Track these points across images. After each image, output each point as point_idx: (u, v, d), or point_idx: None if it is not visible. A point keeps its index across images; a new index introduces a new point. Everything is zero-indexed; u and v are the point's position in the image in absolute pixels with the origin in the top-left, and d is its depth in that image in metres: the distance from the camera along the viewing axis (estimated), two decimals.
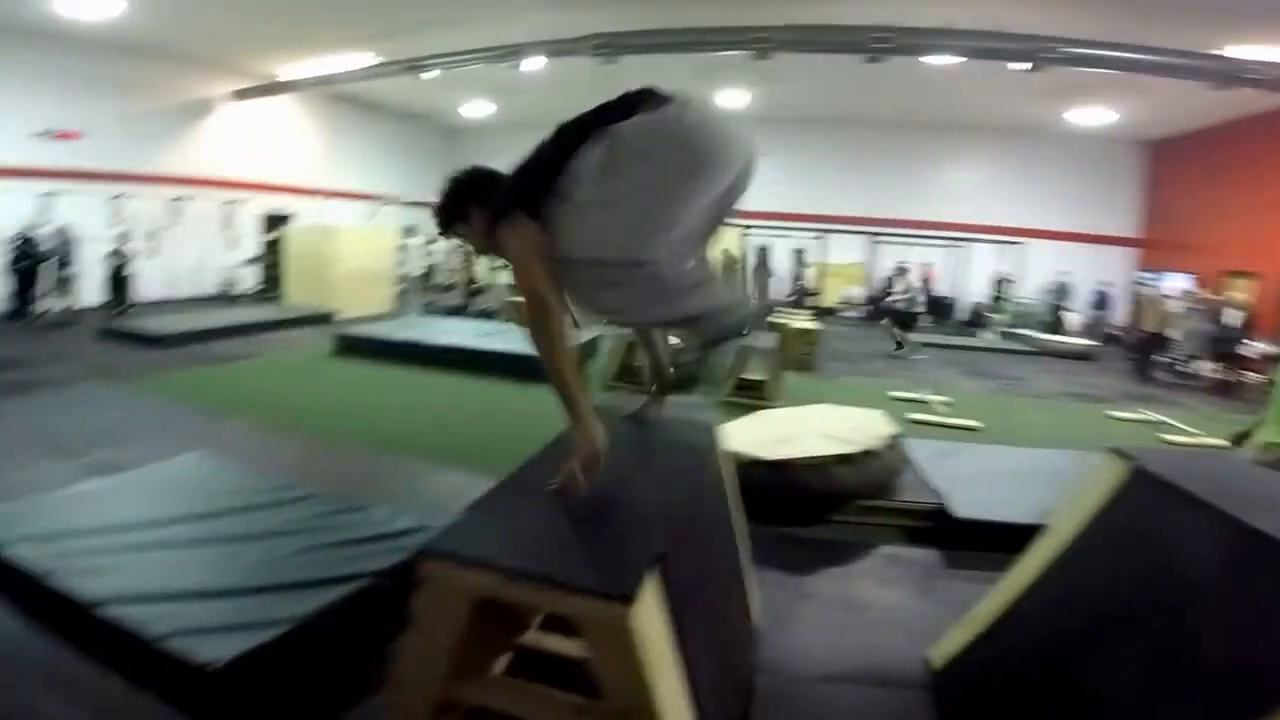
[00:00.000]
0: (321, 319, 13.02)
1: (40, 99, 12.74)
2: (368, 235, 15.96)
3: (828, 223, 19.39)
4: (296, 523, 3.77)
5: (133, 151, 14.40)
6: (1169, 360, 12.75)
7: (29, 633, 3.06)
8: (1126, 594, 2.36)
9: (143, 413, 6.82)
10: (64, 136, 13.08)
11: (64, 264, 12.16)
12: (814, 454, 5.04)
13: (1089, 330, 16.73)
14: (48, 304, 12.08)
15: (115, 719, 2.62)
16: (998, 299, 18.25)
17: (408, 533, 3.68)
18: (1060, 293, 18.11)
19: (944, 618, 3.36)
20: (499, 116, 21.13)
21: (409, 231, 18.01)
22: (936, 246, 18.76)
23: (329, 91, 17.27)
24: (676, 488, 2.38)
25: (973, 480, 5.33)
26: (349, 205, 18.93)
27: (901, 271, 14.41)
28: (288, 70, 15.65)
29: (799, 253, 19.92)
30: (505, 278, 16.27)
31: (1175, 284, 15.59)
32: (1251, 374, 11.45)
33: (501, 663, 2.40)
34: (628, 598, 1.62)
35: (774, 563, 4.37)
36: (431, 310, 14.78)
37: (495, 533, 1.97)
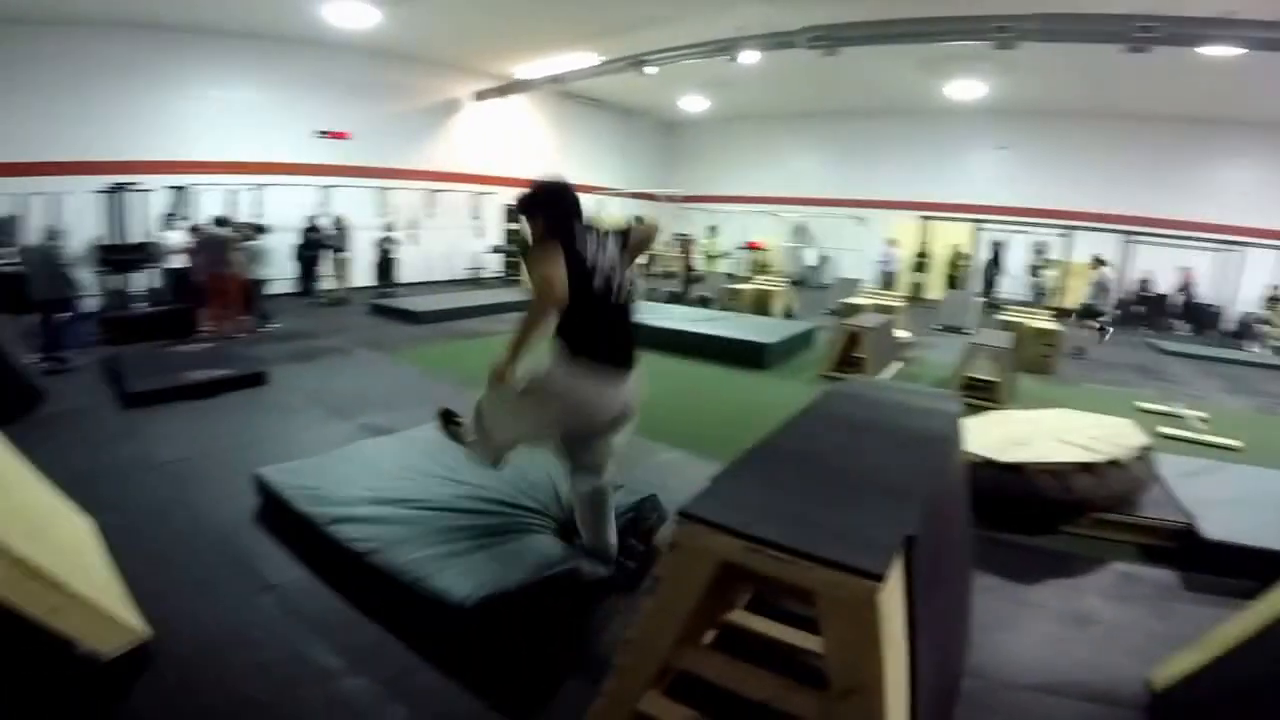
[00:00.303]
0: None
1: (317, 102, 14.56)
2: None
3: (1072, 219, 17.60)
4: (535, 489, 4.17)
5: (394, 149, 16.12)
6: None
7: (308, 578, 3.59)
8: None
9: (404, 380, 7.87)
10: (336, 136, 14.90)
11: (339, 250, 13.88)
12: (1052, 459, 4.77)
13: None
14: (327, 284, 13.91)
15: (368, 663, 2.95)
16: (1272, 309, 15.99)
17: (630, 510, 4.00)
18: None
19: (1175, 640, 3.22)
20: (714, 110, 21.39)
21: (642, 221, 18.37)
22: (1201, 249, 16.57)
23: (558, 90, 18.20)
24: (923, 471, 2.39)
25: (1228, 501, 4.82)
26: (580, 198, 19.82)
27: (1098, 263, 13.14)
28: (522, 70, 16.66)
29: (1039, 251, 18.43)
30: (723, 267, 16.59)
31: None
32: None
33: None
34: (878, 575, 1.68)
35: (997, 568, 4.33)
36: (652, 296, 15.25)
37: (743, 502, 2.09)
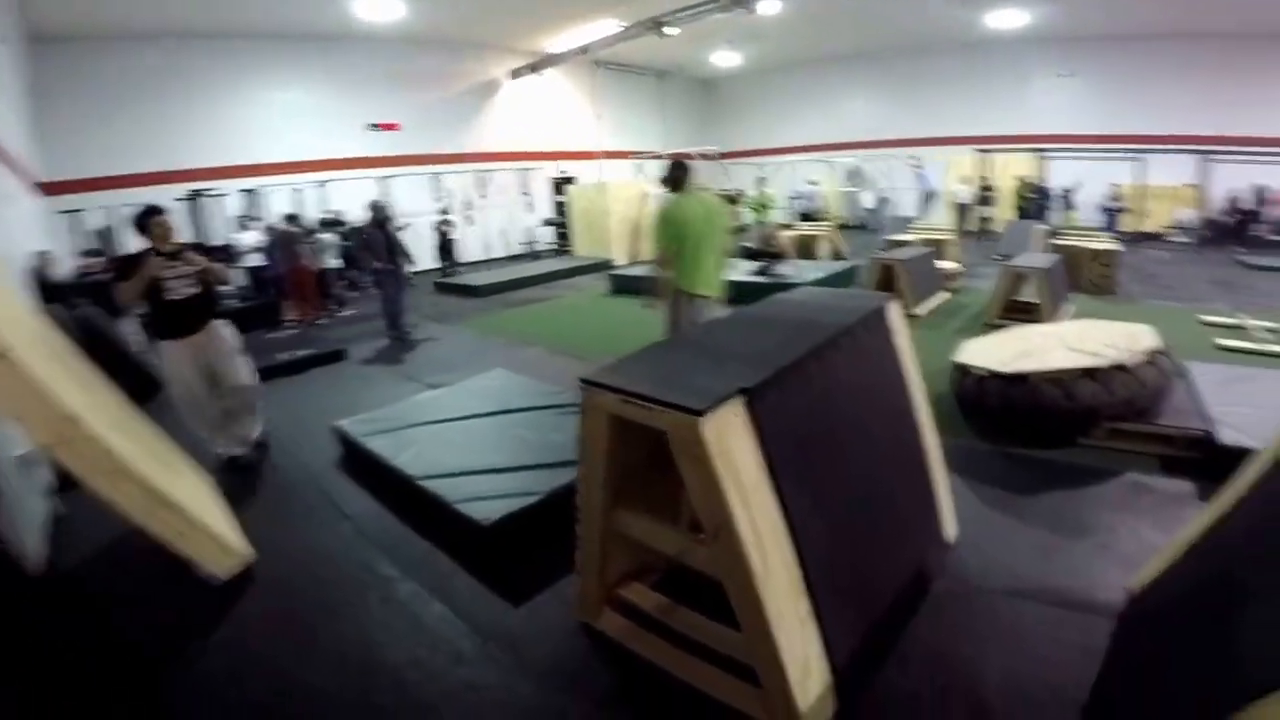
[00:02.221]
0: (603, 266, 14.62)
1: (365, 97, 15.22)
2: (635, 188, 16.78)
3: (1144, 143, 16.63)
4: (563, 421, 4.77)
5: (442, 135, 16.70)
6: None
7: (376, 508, 4.36)
8: None
9: (465, 345, 8.71)
10: (387, 128, 15.55)
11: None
12: (1055, 367, 4.62)
13: None
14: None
15: (419, 571, 3.62)
16: None
17: None
18: None
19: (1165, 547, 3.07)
20: (750, 64, 21.20)
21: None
22: None
23: (588, 60, 18.34)
24: (794, 348, 2.61)
25: (1261, 409, 4.46)
26: (619, 164, 20.27)
27: None
28: (551, 44, 16.89)
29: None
30: (771, 219, 16.46)
31: None
32: None
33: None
34: (700, 411, 1.97)
35: (997, 480, 4.33)
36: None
37: (630, 372, 2.49)
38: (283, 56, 13.97)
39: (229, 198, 13.06)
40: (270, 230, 11.32)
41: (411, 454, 4.43)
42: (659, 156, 19.28)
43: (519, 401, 5.22)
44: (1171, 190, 16.73)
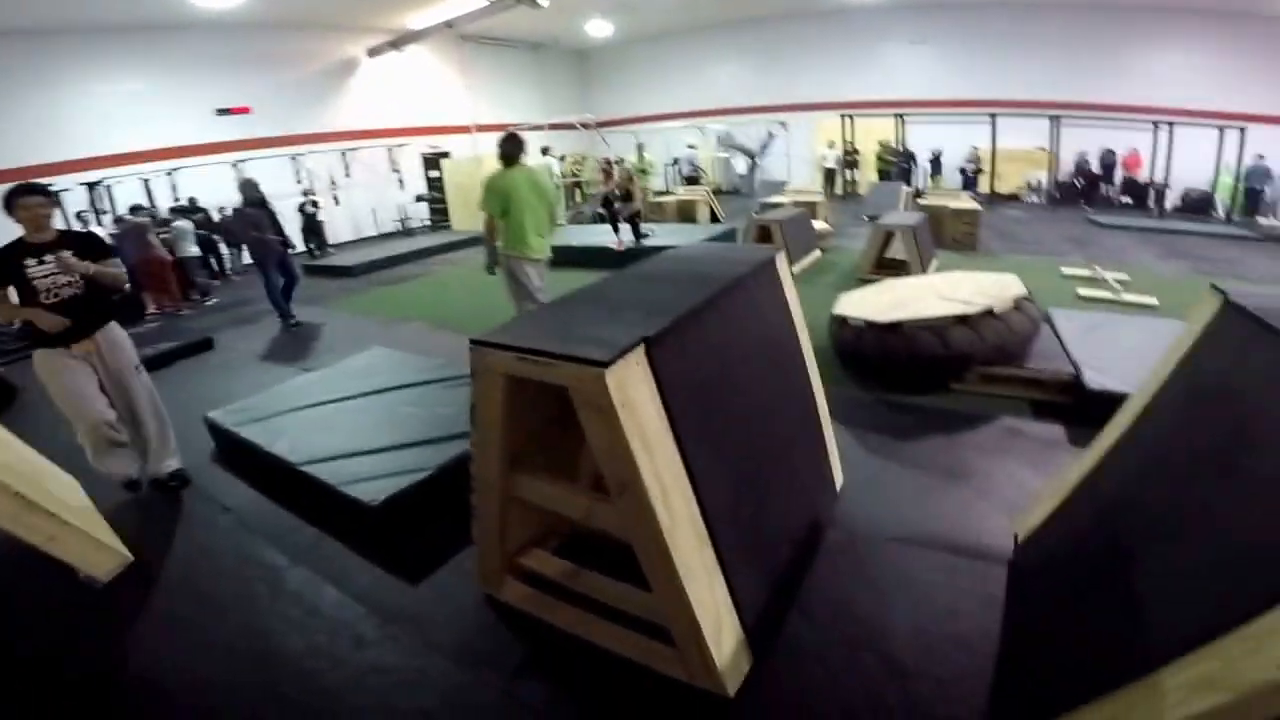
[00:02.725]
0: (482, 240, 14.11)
1: (213, 82, 14.31)
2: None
3: (997, 107, 17.54)
4: (448, 394, 4.64)
5: (299, 115, 15.89)
6: None
7: (257, 498, 4.12)
8: (1193, 451, 2.12)
9: (340, 326, 8.31)
10: (237, 112, 14.69)
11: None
12: (929, 315, 4.78)
13: None
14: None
15: (308, 558, 3.44)
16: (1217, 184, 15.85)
17: None
18: (1257, 176, 15.27)
19: (1045, 492, 3.19)
20: (625, 33, 21.09)
21: (545, 152, 18.11)
22: (1137, 131, 16.39)
23: (456, 35, 17.86)
24: (690, 299, 2.55)
25: (1122, 352, 4.73)
26: (495, 137, 19.39)
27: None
28: (414, 20, 16.28)
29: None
30: (650, 184, 16.57)
31: None
32: None
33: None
34: (604, 363, 1.89)
35: (879, 428, 4.43)
36: (579, 220, 15.59)
37: (524, 330, 2.39)
38: (117, 48, 12.95)
39: (70, 193, 11.85)
40: (118, 222, 10.57)
41: (290, 440, 4.20)
42: (539, 128, 18.89)
43: (400, 378, 5.01)
44: (1024, 153, 17.69)
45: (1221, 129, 15.42)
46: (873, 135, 19.09)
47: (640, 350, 2.04)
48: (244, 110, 14.74)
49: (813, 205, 11.90)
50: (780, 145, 20.59)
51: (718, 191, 18.02)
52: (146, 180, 13.04)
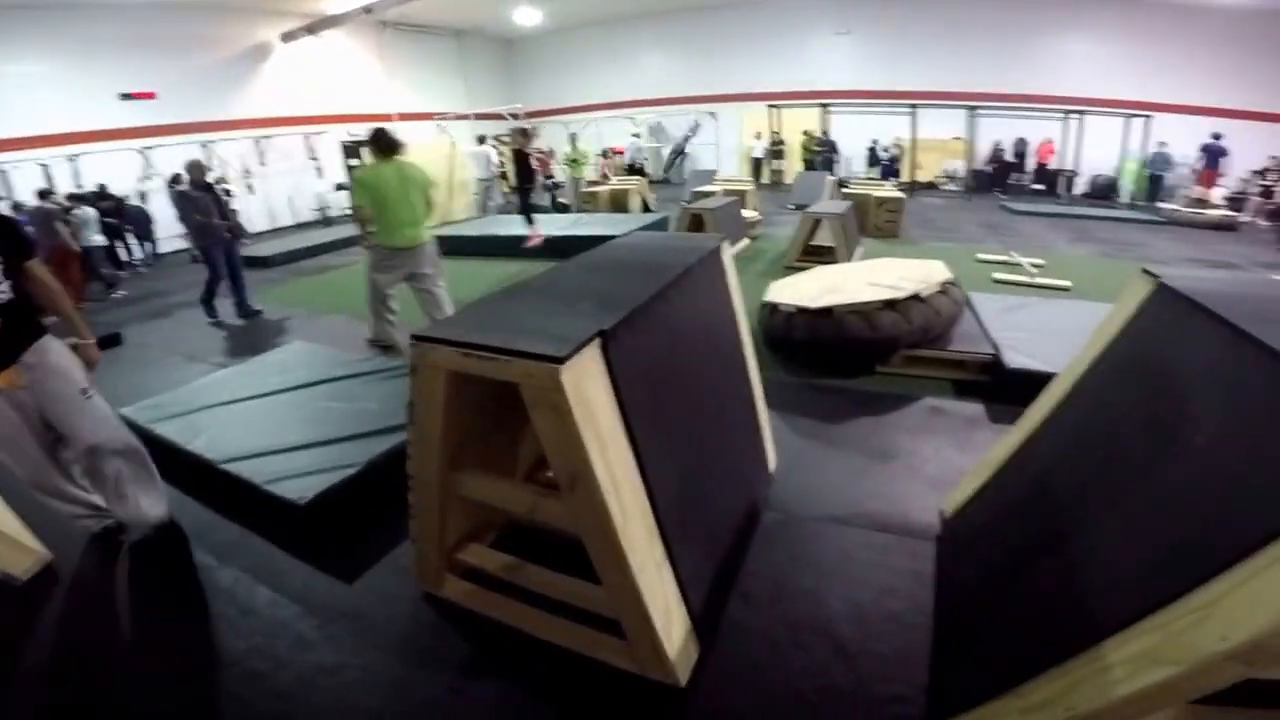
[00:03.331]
0: None
1: (118, 65, 13.59)
2: (438, 149, 16.17)
3: (918, 99, 17.95)
4: (373, 389, 4.54)
5: (209, 102, 15.23)
6: None
7: (177, 495, 3.83)
8: (1129, 425, 2.20)
9: (258, 319, 7.88)
10: (141, 97, 13.98)
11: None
12: (858, 300, 4.89)
13: (1235, 202, 14.39)
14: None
15: (236, 557, 3.31)
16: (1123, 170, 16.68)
17: None
18: (1160, 163, 16.15)
19: (973, 469, 3.30)
20: (553, 21, 20.82)
21: (482, 140, 17.95)
22: (1050, 120, 17.10)
23: (375, 20, 17.51)
24: (643, 289, 2.52)
25: (1038, 333, 4.97)
26: (420, 125, 19.22)
27: None
28: (332, 4, 15.79)
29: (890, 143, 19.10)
30: (587, 174, 16.46)
31: None
32: None
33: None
34: (560, 359, 1.84)
35: (809, 412, 4.52)
36: (509, 209, 15.19)
37: (468, 323, 2.32)
38: (12, 28, 12.19)
39: None
40: (16, 209, 9.98)
41: (209, 437, 4.01)
42: (464, 117, 18.61)
43: (322, 373, 4.84)
44: (941, 143, 18.21)
45: (1128, 117, 16.19)
46: (798, 126, 19.36)
47: (595, 345, 2.00)
48: (149, 95, 14.04)
49: (742, 194, 11.99)
50: (709, 135, 20.73)
51: (650, 181, 18.02)
52: (46, 166, 12.28)
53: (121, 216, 12.08)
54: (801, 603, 2.71)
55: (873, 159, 19.18)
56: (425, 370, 2.20)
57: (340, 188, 17.20)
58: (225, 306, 7.81)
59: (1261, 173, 14.17)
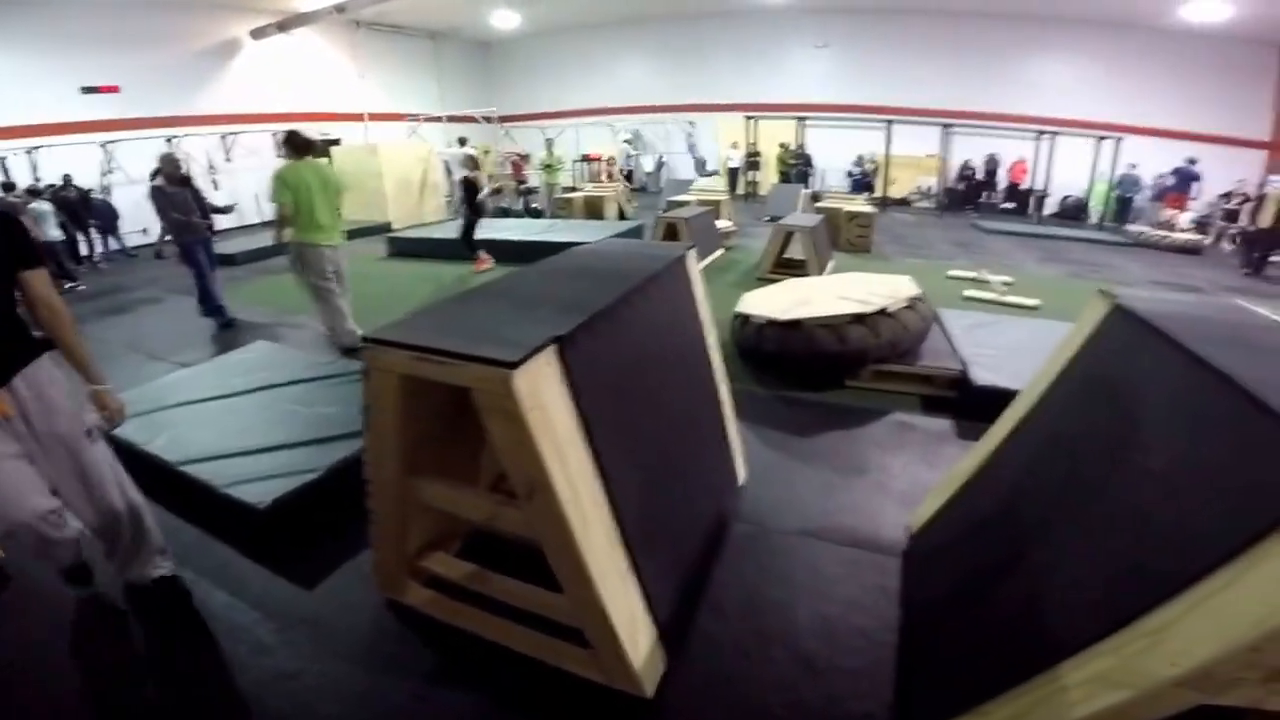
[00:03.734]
0: (379, 229, 13.75)
1: (82, 59, 13.33)
2: (410, 151, 16.15)
3: (892, 114, 18.30)
4: (337, 392, 4.46)
5: (175, 97, 14.95)
6: None
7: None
8: (1087, 445, 2.22)
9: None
10: (105, 91, 13.72)
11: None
12: (827, 314, 4.93)
13: (1200, 226, 14.72)
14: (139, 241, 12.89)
15: (193, 561, 3.20)
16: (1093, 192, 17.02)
17: None
18: (1129, 185, 16.49)
19: (938, 485, 3.28)
20: (532, 25, 20.80)
21: (463, 142, 17.89)
22: (1023, 139, 17.43)
23: (349, 19, 17.37)
24: (604, 295, 2.49)
25: (1005, 351, 5.03)
26: (392, 126, 19.24)
27: None
28: (304, 1, 15.65)
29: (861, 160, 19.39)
30: (559, 180, 16.41)
31: None
32: None
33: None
34: (513, 364, 1.80)
35: (781, 423, 4.54)
36: (481, 212, 14.96)
37: (424, 326, 2.26)
38: None
39: None
40: None
41: (168, 438, 3.91)
42: (438, 119, 18.52)
43: (284, 375, 4.75)
44: (915, 160, 18.44)
45: (1100, 139, 16.48)
46: (775, 138, 19.55)
47: (552, 350, 1.96)
48: (112, 89, 13.77)
49: (717, 204, 12.11)
50: (684, 145, 20.82)
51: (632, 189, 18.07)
52: (3, 159, 12.07)
53: (86, 209, 11.85)
54: (771, 616, 2.70)
55: (855, 185, 19.12)
56: (378, 373, 2.16)
57: None
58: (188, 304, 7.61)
59: (1227, 196, 14.39)
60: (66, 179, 11.93)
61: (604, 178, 15.87)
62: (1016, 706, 1.75)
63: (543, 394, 1.89)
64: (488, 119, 18.55)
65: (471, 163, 10.03)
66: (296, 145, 5.71)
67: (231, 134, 15.88)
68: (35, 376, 2.42)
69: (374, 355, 2.12)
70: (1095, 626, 1.62)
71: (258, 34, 16.20)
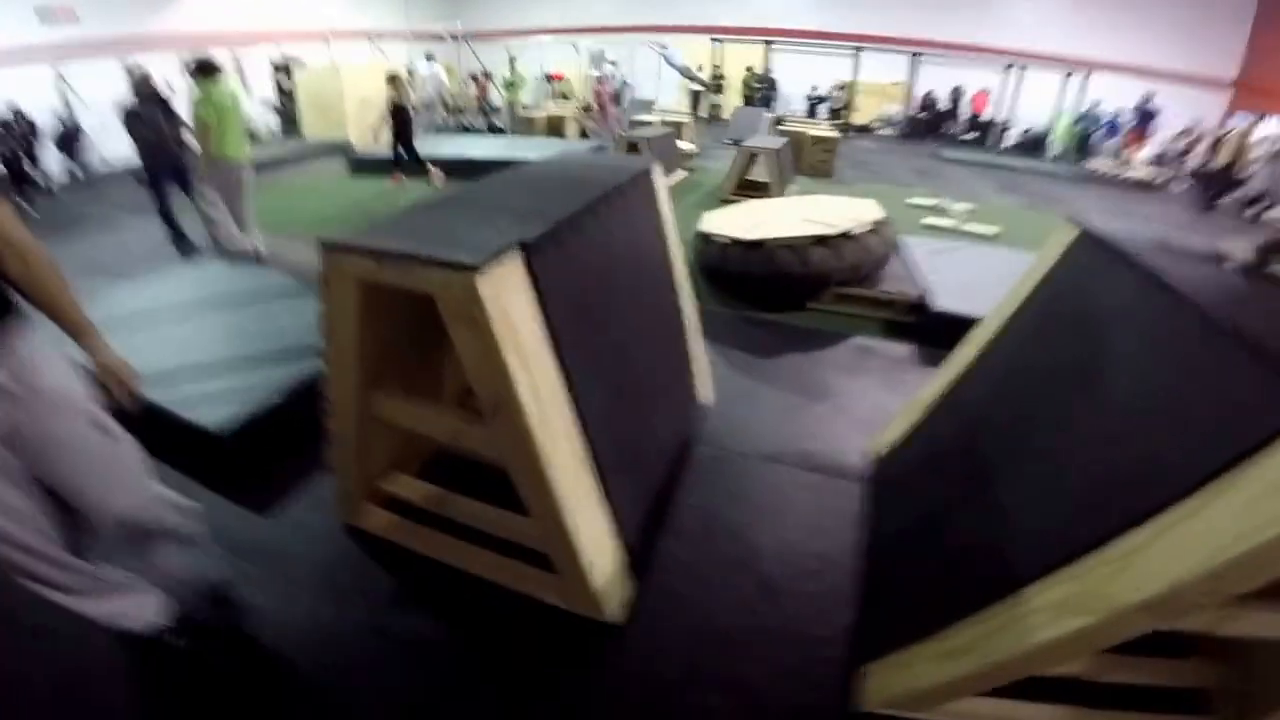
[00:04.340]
0: (340, 148, 13.28)
1: None
2: (374, 68, 15.23)
3: (867, 42, 18.15)
4: (297, 307, 4.19)
5: (132, 17, 13.94)
6: (1245, 198, 11.22)
7: None
8: (1052, 372, 2.24)
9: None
10: (59, 14, 12.69)
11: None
12: (790, 235, 4.90)
13: (1160, 161, 14.73)
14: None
15: None
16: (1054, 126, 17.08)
17: None
18: (1090, 121, 16.49)
19: (901, 411, 3.28)
20: None
21: (430, 58, 17.16)
22: (990, 71, 17.39)
23: None
24: (568, 203, 2.41)
25: (965, 277, 5.06)
26: (354, 44, 18.16)
27: None
28: None
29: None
30: (525, 98, 16.04)
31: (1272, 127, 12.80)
32: None
33: None
34: (475, 267, 1.71)
35: (742, 345, 4.52)
36: (443, 130, 14.99)
37: (389, 232, 2.13)
38: None
39: None
40: None
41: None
42: (401, 35, 17.83)
43: (236, 289, 4.55)
44: (881, 87, 18.34)
45: (1068, 73, 16.50)
46: (741, 62, 19.30)
47: (517, 256, 1.88)
48: (65, 13, 12.72)
49: (679, 126, 11.95)
50: (649, 66, 20.26)
51: (588, 109, 17.61)
52: None
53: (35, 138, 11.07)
54: (732, 540, 2.71)
55: (812, 110, 19.11)
56: (336, 280, 2.04)
57: (274, 109, 16.26)
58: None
59: (1182, 134, 14.54)
60: (17, 114, 11.07)
61: (596, 107, 15.35)
62: (976, 632, 1.77)
63: (508, 301, 1.82)
64: (454, 35, 17.86)
65: (393, 85, 9.57)
66: (205, 70, 5.94)
67: (191, 55, 14.91)
68: (29, 371, 1.63)
69: (332, 261, 2.01)
70: (1058, 553, 1.64)
71: None
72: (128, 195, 7.29)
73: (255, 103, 15.97)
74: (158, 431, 3.13)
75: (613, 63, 19.73)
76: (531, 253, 1.92)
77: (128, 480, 1.87)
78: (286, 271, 5.08)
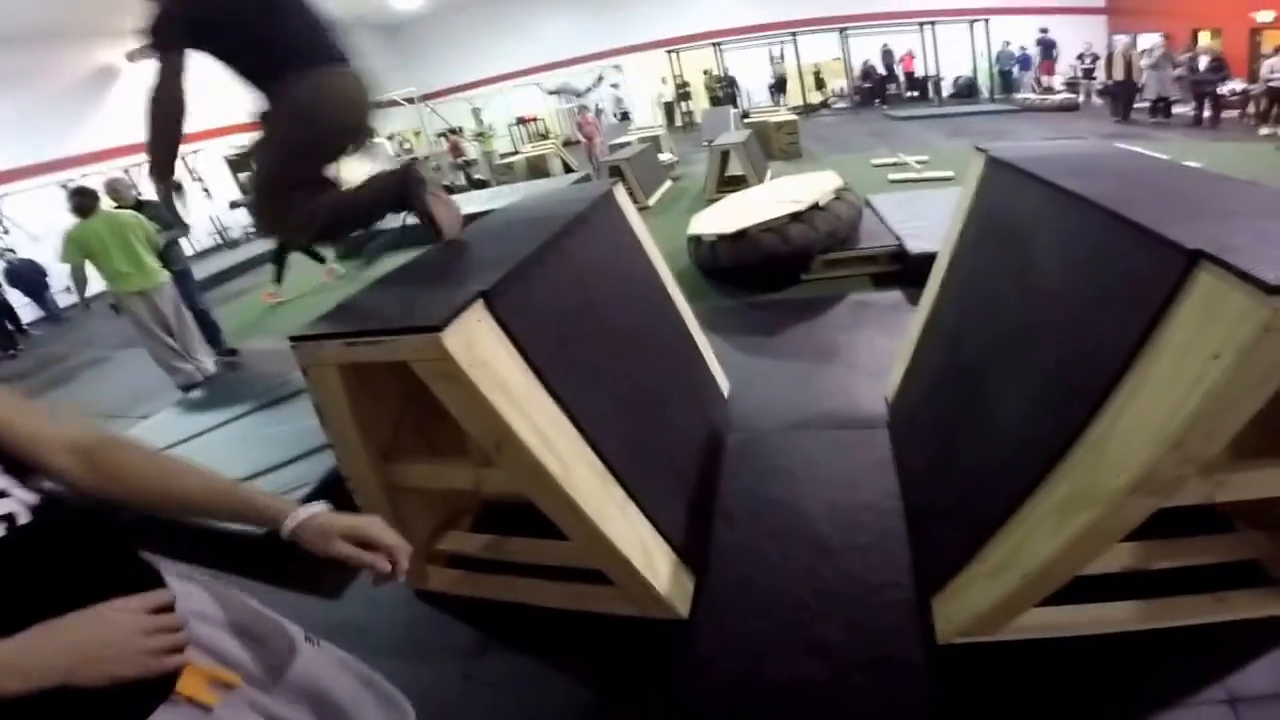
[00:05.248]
0: None
1: None
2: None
3: (799, 26, 20.00)
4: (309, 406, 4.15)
5: (66, 135, 13.65)
6: (1149, 104, 13.22)
7: None
8: (998, 285, 2.39)
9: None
10: None
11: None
12: (766, 218, 5.22)
13: (1071, 86, 17.01)
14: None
15: None
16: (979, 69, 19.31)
17: None
18: (1005, 59, 19.02)
19: (898, 353, 3.46)
20: (435, 2, 20.44)
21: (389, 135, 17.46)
22: (910, 33, 19.69)
23: None
24: (531, 238, 2.50)
25: (932, 219, 5.34)
26: None
27: None
28: None
29: (772, 58, 20.99)
30: (494, 148, 16.62)
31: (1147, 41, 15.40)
32: (1229, 110, 12.53)
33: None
34: (437, 327, 1.74)
35: (751, 330, 4.76)
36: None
37: (353, 313, 2.18)
38: None
39: None
40: None
41: None
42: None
43: (254, 400, 4.60)
44: (826, 65, 20.56)
45: (971, 23, 19.05)
46: (698, 66, 20.74)
47: (479, 306, 1.91)
48: None
49: (656, 139, 12.46)
50: (613, 88, 21.06)
51: (568, 143, 17.84)
52: None
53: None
54: (779, 512, 2.77)
55: (818, 84, 20.98)
56: (316, 371, 2.07)
57: (235, 205, 15.29)
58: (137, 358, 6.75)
59: (1081, 58, 16.89)
60: None
61: (584, 139, 15.35)
62: (1007, 547, 1.82)
63: (481, 350, 1.85)
64: (409, 100, 18.43)
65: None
66: (76, 206, 5.56)
67: (135, 165, 13.67)
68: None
69: (306, 354, 2.03)
70: (1047, 452, 1.69)
71: (135, 57, 13.98)
72: (110, 327, 7.27)
73: (217, 204, 15.67)
74: (207, 545, 3.09)
75: (615, 86, 20.67)
76: (494, 297, 1.95)
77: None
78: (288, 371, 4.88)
